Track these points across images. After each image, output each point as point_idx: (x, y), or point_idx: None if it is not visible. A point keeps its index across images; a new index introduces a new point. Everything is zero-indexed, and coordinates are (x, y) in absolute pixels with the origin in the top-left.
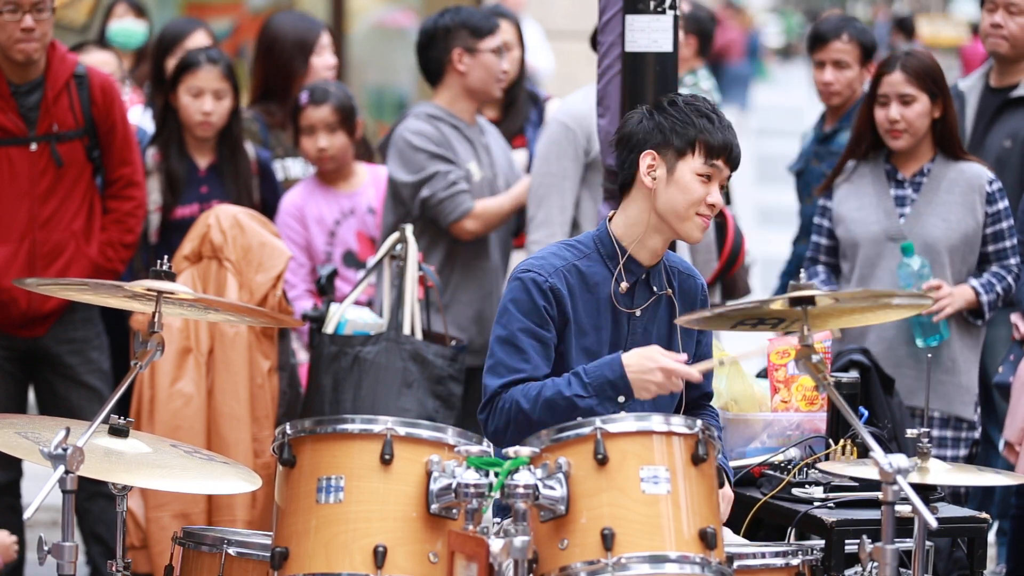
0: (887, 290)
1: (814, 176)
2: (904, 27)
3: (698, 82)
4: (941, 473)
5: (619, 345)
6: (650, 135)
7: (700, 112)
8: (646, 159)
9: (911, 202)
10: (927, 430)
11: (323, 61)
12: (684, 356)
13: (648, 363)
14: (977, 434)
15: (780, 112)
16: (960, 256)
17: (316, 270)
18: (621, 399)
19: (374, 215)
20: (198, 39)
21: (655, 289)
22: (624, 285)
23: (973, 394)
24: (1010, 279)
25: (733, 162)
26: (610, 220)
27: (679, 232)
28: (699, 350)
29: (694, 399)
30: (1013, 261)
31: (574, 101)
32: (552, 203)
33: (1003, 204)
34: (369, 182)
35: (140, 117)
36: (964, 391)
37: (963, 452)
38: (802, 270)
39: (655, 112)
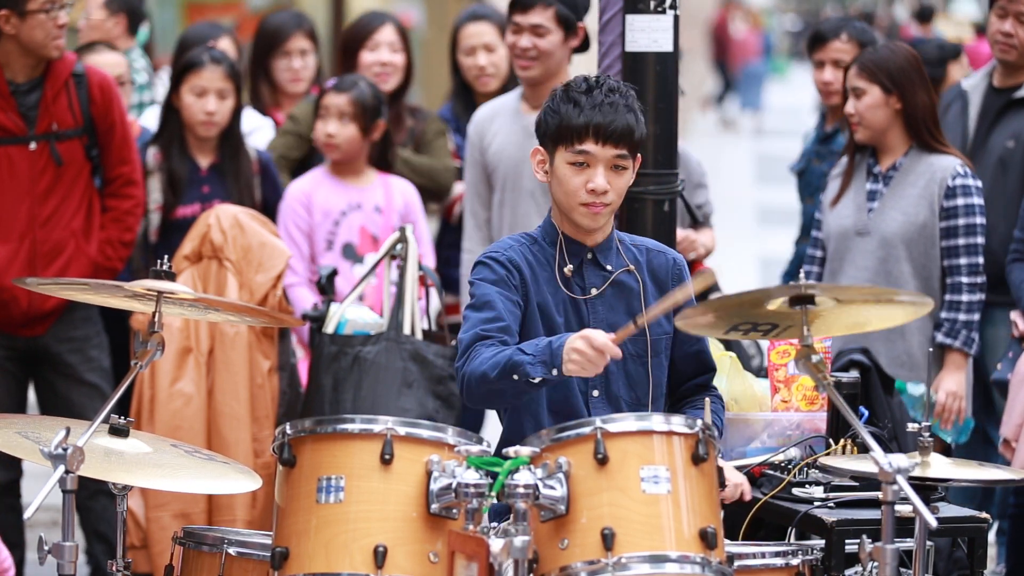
0: (888, 288)
1: (815, 176)
2: (922, 17)
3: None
4: (943, 467)
5: (582, 327)
6: (537, 129)
7: (568, 97)
8: (535, 156)
9: (880, 196)
10: (928, 423)
11: (375, 57)
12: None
13: (575, 341)
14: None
15: (779, 112)
16: (921, 249)
17: (317, 270)
18: (554, 372)
19: (380, 214)
20: (223, 47)
21: (608, 268)
22: (568, 268)
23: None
24: (964, 297)
25: (609, 139)
26: (551, 208)
27: (573, 222)
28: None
29: (690, 383)
30: (963, 262)
31: (482, 107)
32: (465, 209)
33: (963, 201)
34: (379, 184)
35: (151, 118)
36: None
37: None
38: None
39: (546, 103)
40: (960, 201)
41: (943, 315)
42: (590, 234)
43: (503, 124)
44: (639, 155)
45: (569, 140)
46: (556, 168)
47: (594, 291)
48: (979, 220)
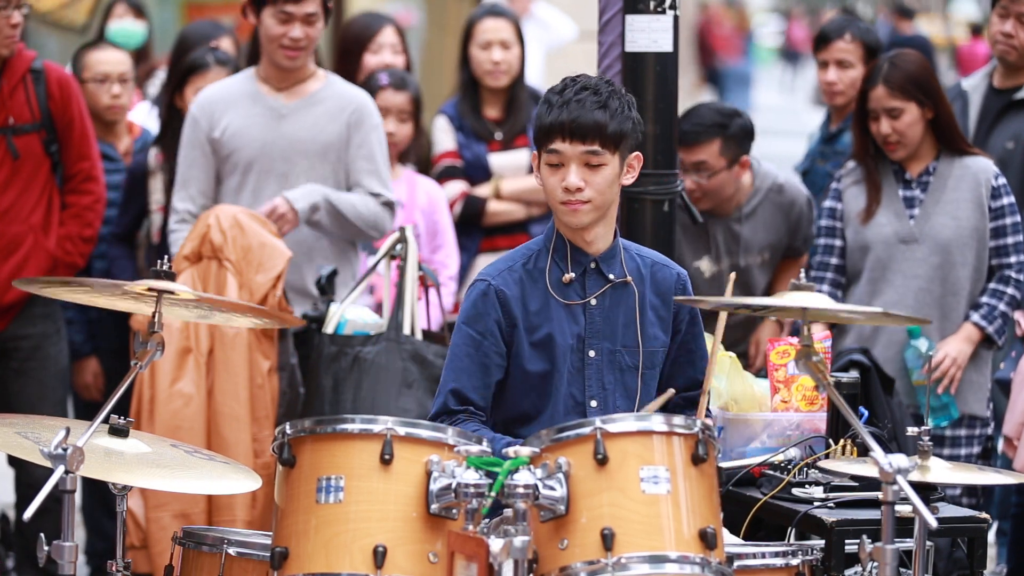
0: (889, 311)
1: (819, 176)
2: (904, 13)
3: None
4: (942, 472)
5: (581, 337)
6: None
7: (545, 99)
8: (533, 161)
9: (919, 203)
10: (927, 428)
11: (379, 59)
12: None
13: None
14: (990, 430)
15: (782, 112)
16: (974, 253)
17: (317, 269)
18: None
19: (402, 209)
20: (224, 46)
21: (611, 276)
22: (569, 276)
23: (987, 391)
24: (1010, 290)
25: (574, 135)
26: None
27: (564, 224)
28: (679, 339)
29: (683, 392)
30: (1012, 260)
31: (207, 90)
32: (177, 193)
33: (1007, 200)
34: (402, 179)
35: (146, 116)
36: (979, 388)
37: (976, 449)
38: (809, 273)
39: None
40: (1005, 200)
41: (985, 299)
42: (591, 242)
43: (239, 107)
44: (638, 153)
45: (541, 141)
46: (541, 170)
47: (593, 301)
48: (1019, 217)
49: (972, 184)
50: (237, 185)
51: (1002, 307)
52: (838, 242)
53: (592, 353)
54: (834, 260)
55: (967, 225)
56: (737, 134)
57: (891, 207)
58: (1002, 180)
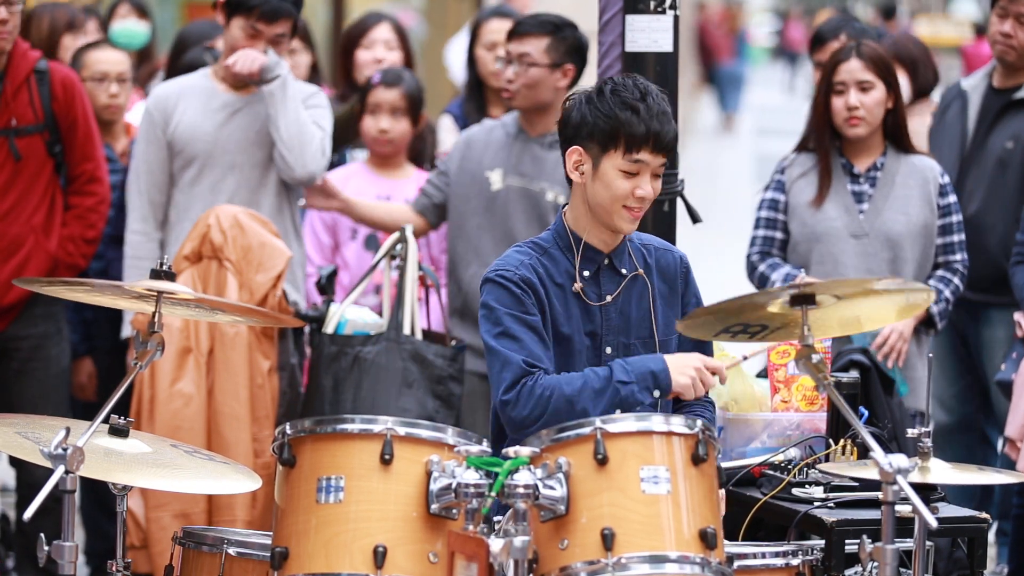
0: (882, 279)
1: None
2: (887, 13)
3: None
4: (942, 472)
5: (597, 335)
6: (578, 129)
7: (625, 103)
8: (572, 155)
9: (868, 198)
10: (927, 429)
11: (371, 55)
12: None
13: (686, 358)
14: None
15: (781, 112)
16: (921, 248)
17: (317, 270)
18: (656, 393)
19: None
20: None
21: (623, 271)
22: (585, 275)
23: (924, 385)
24: (956, 280)
25: (662, 149)
26: (564, 212)
27: (609, 225)
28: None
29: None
30: (958, 257)
31: (161, 86)
32: (131, 190)
33: (953, 198)
34: (414, 179)
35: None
36: (921, 384)
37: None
38: (759, 264)
39: (585, 102)
40: (951, 198)
41: (932, 283)
42: (608, 240)
43: (193, 102)
44: None
45: (628, 148)
46: (603, 172)
47: (609, 298)
48: (960, 216)
49: (921, 181)
50: (192, 178)
51: (947, 293)
52: (779, 235)
53: (609, 350)
54: (775, 252)
55: (917, 221)
56: (568, 41)
57: (840, 201)
58: (947, 179)
